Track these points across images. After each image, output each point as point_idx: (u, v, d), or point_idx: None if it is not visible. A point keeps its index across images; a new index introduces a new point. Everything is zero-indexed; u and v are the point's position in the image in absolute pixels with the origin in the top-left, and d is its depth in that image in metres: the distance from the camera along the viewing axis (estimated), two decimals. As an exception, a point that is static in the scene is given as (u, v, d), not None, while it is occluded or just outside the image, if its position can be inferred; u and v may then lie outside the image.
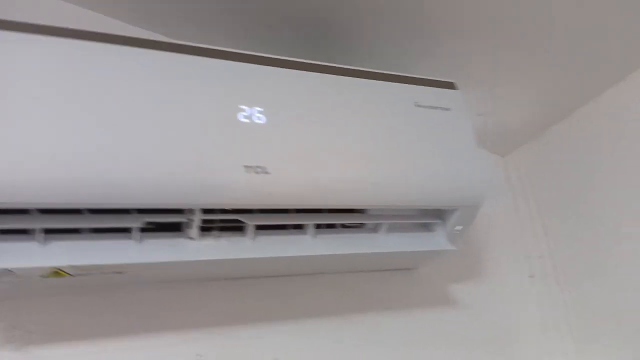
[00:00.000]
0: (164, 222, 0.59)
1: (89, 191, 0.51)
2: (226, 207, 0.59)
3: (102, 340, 0.64)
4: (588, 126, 0.96)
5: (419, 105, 0.75)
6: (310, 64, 0.69)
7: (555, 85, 0.95)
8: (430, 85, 0.78)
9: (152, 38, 0.60)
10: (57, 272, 0.57)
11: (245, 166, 0.58)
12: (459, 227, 0.78)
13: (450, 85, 0.80)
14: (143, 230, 0.58)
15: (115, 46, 0.56)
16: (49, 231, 0.53)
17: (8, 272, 0.53)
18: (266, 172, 0.59)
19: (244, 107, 0.60)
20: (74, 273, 0.57)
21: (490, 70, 0.91)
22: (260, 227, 0.65)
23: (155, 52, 0.59)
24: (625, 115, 0.90)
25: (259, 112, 0.61)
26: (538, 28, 0.81)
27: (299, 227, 0.69)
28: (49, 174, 0.49)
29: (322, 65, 0.70)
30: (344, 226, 0.73)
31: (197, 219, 0.59)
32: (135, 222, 0.56)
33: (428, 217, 0.77)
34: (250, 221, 0.63)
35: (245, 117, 0.60)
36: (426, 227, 0.79)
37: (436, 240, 0.78)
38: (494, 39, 0.84)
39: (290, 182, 0.61)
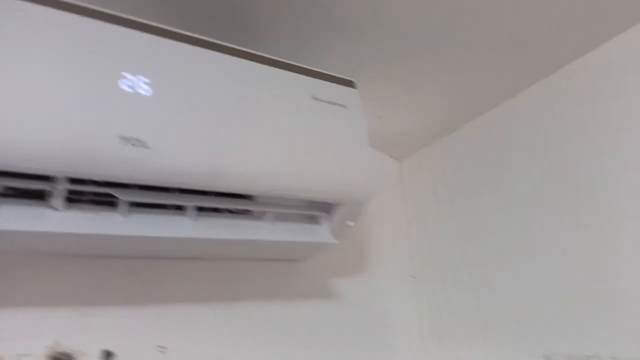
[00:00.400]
0: (26, 188, 0.54)
1: None
2: (96, 179, 0.56)
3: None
4: (478, 138, 1.02)
5: (316, 99, 0.75)
6: (209, 41, 0.67)
7: (453, 95, 0.99)
8: (329, 81, 0.78)
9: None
10: None
11: (121, 137, 0.55)
12: (350, 223, 0.80)
13: (349, 83, 0.81)
14: (2, 195, 0.53)
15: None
16: None
17: None
18: (145, 146, 0.56)
19: (126, 74, 0.57)
20: None
21: (392, 73, 0.93)
22: (136, 205, 0.62)
23: (39, 9, 0.54)
24: (515, 130, 0.95)
25: (145, 83, 0.58)
26: (441, 31, 0.84)
27: (180, 208, 0.67)
28: None
29: (221, 44, 0.68)
30: (230, 212, 0.72)
31: (62, 187, 0.55)
32: (-11, 185, 0.51)
33: (314, 209, 0.78)
34: (124, 196, 0.60)
35: (128, 85, 0.57)
36: (312, 219, 0.79)
37: (320, 232, 0.79)
38: (396, 40, 0.86)
39: (172, 159, 0.59)
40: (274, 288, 0.86)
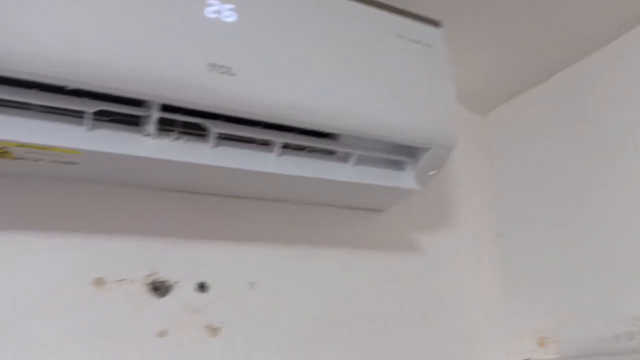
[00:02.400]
0: (121, 112, 0.56)
1: (40, 62, 0.48)
2: (187, 106, 0.57)
3: (41, 233, 0.61)
4: (564, 91, 0.95)
5: (401, 37, 0.73)
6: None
7: (539, 46, 0.93)
8: (414, 19, 0.76)
9: None
10: (4, 152, 0.54)
11: (210, 64, 0.55)
12: (426, 170, 0.77)
13: (435, 23, 0.78)
14: (97, 119, 0.55)
15: None
16: (-3, 103, 0.50)
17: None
18: (232, 74, 0.57)
19: (212, 1, 0.57)
20: (20, 155, 0.55)
21: (477, 19, 0.89)
22: (224, 137, 0.63)
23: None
24: (608, 80, 0.88)
25: (230, 9, 0.58)
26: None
27: (266, 144, 0.67)
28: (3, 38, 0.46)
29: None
30: (313, 152, 0.71)
31: (155, 114, 0.56)
32: (89, 107, 0.53)
33: (398, 153, 0.75)
34: (214, 127, 0.60)
35: (214, 12, 0.57)
36: (396, 165, 0.77)
37: (404, 178, 0.76)
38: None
39: (256, 88, 0.59)
40: (354, 236, 0.84)
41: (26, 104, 0.52)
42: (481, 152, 1.10)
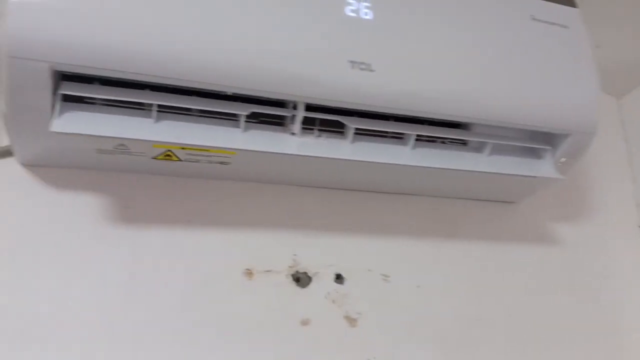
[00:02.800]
0: (269, 113, 0.59)
1: (200, 72, 0.52)
2: (330, 104, 0.59)
3: (199, 228, 0.66)
4: None
5: (536, 19, 0.70)
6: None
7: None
8: (549, 0, 0.72)
9: None
10: (169, 155, 0.59)
11: (351, 61, 0.57)
12: (564, 159, 0.73)
13: (570, 2, 0.74)
14: (248, 121, 0.59)
15: None
16: (162, 109, 0.55)
17: (122, 146, 0.57)
18: (371, 70, 0.58)
19: (352, 0, 0.59)
20: (182, 157, 0.60)
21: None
22: (359, 133, 0.64)
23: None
24: None
25: (366, 7, 0.59)
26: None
27: (399, 137, 0.67)
28: (166, 49, 0.50)
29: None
30: (445, 143, 0.71)
31: (301, 114, 0.59)
32: (243, 110, 0.57)
33: (536, 141, 0.72)
34: (351, 123, 0.62)
35: (353, 10, 0.58)
36: (533, 153, 0.74)
37: (544, 167, 0.73)
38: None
39: (394, 82, 0.59)
40: (490, 229, 0.83)
41: (187, 109, 0.57)
42: (617, 136, 1.02)
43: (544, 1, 0.72)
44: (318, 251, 0.71)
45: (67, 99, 0.51)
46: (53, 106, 0.50)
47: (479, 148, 0.71)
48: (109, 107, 0.54)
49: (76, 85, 0.51)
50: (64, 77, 0.51)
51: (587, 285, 0.86)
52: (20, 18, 0.45)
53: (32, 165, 0.61)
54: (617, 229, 0.93)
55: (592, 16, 0.85)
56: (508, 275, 0.81)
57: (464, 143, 0.71)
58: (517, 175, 0.72)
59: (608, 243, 0.91)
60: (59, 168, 0.61)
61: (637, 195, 0.97)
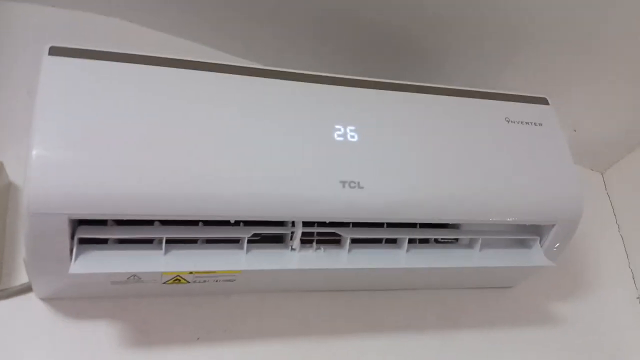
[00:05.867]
0: (268, 234, 0.63)
1: (205, 205, 0.57)
2: (325, 220, 0.63)
3: (209, 344, 0.69)
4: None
5: (510, 121, 0.76)
6: (399, 84, 0.72)
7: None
8: (521, 101, 0.78)
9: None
10: (178, 279, 0.63)
11: (342, 181, 0.62)
12: (554, 245, 0.77)
13: (542, 101, 0.80)
14: (250, 241, 0.63)
15: (224, 75, 0.63)
16: (169, 241, 0.60)
17: (134, 277, 0.61)
18: (360, 187, 0.63)
19: (339, 126, 0.64)
20: (191, 280, 0.64)
21: (583, 82, 0.89)
22: (355, 241, 0.68)
23: (257, 79, 0.65)
24: None
25: (352, 130, 0.65)
26: (629, 39, 0.79)
27: (392, 242, 0.71)
28: (171, 191, 0.55)
29: (410, 84, 0.73)
30: (437, 242, 0.74)
31: (299, 231, 0.63)
32: (245, 233, 0.61)
33: (524, 233, 0.76)
34: (347, 234, 0.66)
35: (340, 135, 0.64)
36: (522, 244, 0.77)
37: (534, 256, 0.76)
38: (584, 49, 0.83)
39: (383, 196, 0.64)
40: (489, 315, 0.85)
41: (194, 237, 0.61)
42: (606, 209, 1.06)
43: (517, 103, 0.78)
44: (326, 357, 0.73)
45: (83, 241, 0.56)
46: (71, 250, 0.55)
47: (469, 244, 0.74)
48: (122, 243, 0.59)
49: (91, 229, 0.56)
50: (79, 222, 0.56)
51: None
52: (39, 177, 0.51)
53: (50, 299, 0.65)
54: (616, 303, 0.95)
55: (565, 105, 0.92)
56: (513, 358, 0.83)
57: (455, 239, 0.75)
58: (509, 267, 0.75)
59: (609, 318, 0.93)
60: (75, 300, 0.65)
61: (633, 266, 1.00)
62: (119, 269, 0.56)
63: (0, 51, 0.75)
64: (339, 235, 0.67)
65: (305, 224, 0.64)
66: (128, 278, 0.61)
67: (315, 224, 0.65)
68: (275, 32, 0.87)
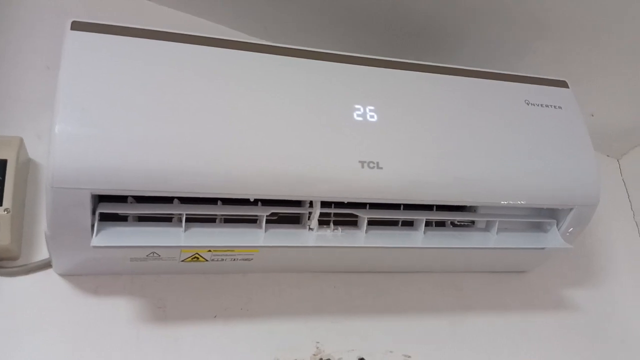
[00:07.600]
0: (286, 213, 0.63)
1: (224, 183, 0.57)
2: (343, 200, 0.63)
3: (226, 322, 0.70)
4: None
5: (530, 103, 0.75)
6: (420, 64, 0.72)
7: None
8: (541, 84, 0.77)
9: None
10: (196, 257, 0.64)
11: (361, 161, 0.62)
12: (571, 229, 0.76)
13: (561, 84, 0.79)
14: (268, 221, 0.63)
15: (246, 52, 0.63)
16: (189, 220, 0.60)
17: (154, 254, 0.61)
18: (379, 167, 0.62)
19: (358, 106, 0.64)
20: (209, 258, 0.64)
21: (602, 68, 0.88)
22: (371, 223, 0.68)
23: (278, 58, 0.65)
24: None
25: (371, 110, 0.64)
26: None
27: (409, 224, 0.71)
28: (191, 168, 0.55)
29: (431, 65, 0.72)
30: (453, 225, 0.74)
31: (317, 211, 0.63)
32: (264, 212, 0.61)
33: (541, 216, 0.76)
34: (364, 215, 0.66)
35: (359, 115, 0.64)
36: (539, 227, 0.77)
37: (551, 239, 0.76)
38: (604, 35, 0.82)
39: (401, 176, 0.64)
40: (504, 299, 0.85)
41: (213, 215, 0.62)
42: (621, 195, 1.05)
43: (537, 85, 0.77)
44: (340, 336, 0.73)
45: (104, 217, 0.56)
46: (92, 224, 0.55)
47: (486, 227, 0.74)
48: (142, 219, 0.59)
49: (112, 205, 0.56)
50: (101, 197, 0.56)
51: (605, 349, 0.87)
52: (63, 152, 0.51)
53: (69, 275, 0.65)
54: (630, 289, 0.95)
55: (584, 90, 0.91)
56: (525, 343, 0.83)
57: (472, 222, 0.75)
58: (524, 250, 0.75)
59: (622, 304, 0.93)
60: (94, 276, 0.66)
61: (647, 253, 1.00)
62: (139, 243, 0.56)
63: (17, 27, 0.75)
64: (356, 217, 0.67)
65: (323, 204, 0.63)
66: (147, 255, 0.61)
67: (333, 205, 0.65)
68: (295, 13, 0.86)
